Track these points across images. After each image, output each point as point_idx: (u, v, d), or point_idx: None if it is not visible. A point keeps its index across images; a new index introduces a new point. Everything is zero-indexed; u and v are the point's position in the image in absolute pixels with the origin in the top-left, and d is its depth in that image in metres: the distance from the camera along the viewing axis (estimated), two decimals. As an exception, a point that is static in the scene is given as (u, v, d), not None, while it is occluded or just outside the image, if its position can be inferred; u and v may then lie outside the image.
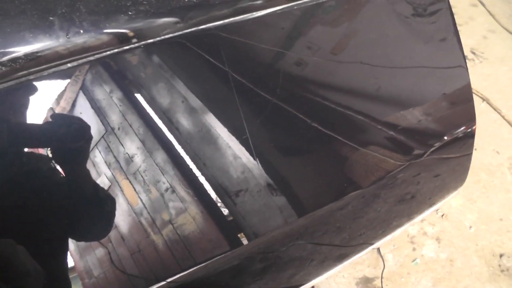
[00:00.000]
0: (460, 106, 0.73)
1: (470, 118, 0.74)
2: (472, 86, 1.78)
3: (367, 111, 0.64)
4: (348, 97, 0.64)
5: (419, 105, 0.69)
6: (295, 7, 0.61)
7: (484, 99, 1.81)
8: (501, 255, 1.24)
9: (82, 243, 0.53)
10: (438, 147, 0.71)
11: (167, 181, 0.55)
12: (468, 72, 0.73)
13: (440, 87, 0.71)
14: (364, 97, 0.65)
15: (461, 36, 1.95)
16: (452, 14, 0.72)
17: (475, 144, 1.54)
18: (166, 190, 0.55)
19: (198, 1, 0.56)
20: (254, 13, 0.59)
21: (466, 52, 2.07)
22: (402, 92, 0.68)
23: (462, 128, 0.74)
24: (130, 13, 0.51)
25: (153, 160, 0.56)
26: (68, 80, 0.52)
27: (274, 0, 0.60)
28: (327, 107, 0.62)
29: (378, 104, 0.65)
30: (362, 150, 0.64)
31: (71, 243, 0.53)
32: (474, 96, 1.82)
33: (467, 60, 2.01)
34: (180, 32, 0.54)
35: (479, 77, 1.93)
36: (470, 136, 0.76)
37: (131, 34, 0.53)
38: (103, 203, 0.54)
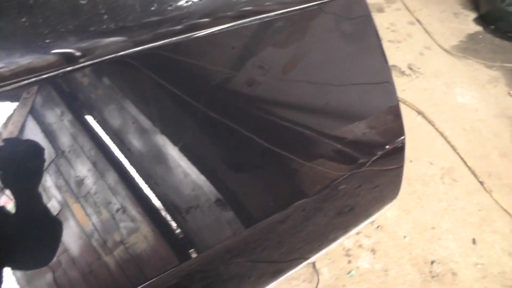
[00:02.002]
0: (390, 120, 0.86)
1: (399, 131, 0.87)
2: (409, 100, 2.02)
3: (308, 125, 0.75)
4: (291, 112, 0.74)
5: (352, 120, 0.80)
6: (242, 26, 0.69)
7: (419, 112, 2.05)
8: (432, 262, 1.43)
9: (30, 269, 0.57)
10: (372, 160, 0.82)
11: (119, 202, 0.60)
12: (395, 88, 0.86)
13: (371, 103, 0.84)
14: (304, 112, 0.75)
15: (400, 52, 2.20)
16: (377, 34, 0.85)
17: (411, 156, 1.77)
18: (117, 210, 0.60)
19: (145, 20, 0.62)
20: (202, 31, 0.66)
21: (404, 67, 2.34)
22: (338, 108, 0.80)
23: (393, 141, 0.86)
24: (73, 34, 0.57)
25: (105, 181, 0.60)
26: (16, 103, 0.57)
27: (221, 19, 0.68)
28: (270, 123, 0.72)
29: (318, 119, 0.76)
30: (306, 164, 0.74)
31: (18, 271, 0.56)
32: (410, 110, 2.06)
33: (405, 75, 2.27)
34: (127, 52, 0.61)
35: (416, 92, 2.19)
36: (401, 149, 0.88)
37: (78, 53, 0.58)
38: (52, 227, 0.58)
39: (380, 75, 0.85)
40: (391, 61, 2.33)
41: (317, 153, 0.76)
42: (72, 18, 0.57)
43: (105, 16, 0.59)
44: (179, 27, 0.65)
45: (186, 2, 0.65)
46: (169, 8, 0.64)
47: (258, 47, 0.72)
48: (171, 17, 0.64)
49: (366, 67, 0.83)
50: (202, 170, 0.65)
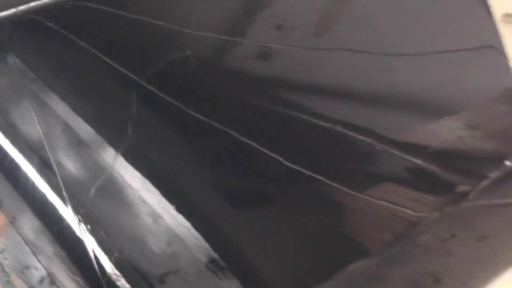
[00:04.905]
0: (503, 114, 0.81)
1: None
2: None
3: (359, 126, 0.72)
4: (328, 104, 0.72)
5: (453, 112, 0.77)
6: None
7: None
8: None
9: None
10: (475, 188, 0.76)
11: (42, 266, 0.59)
12: (506, 55, 0.82)
13: (464, 84, 0.80)
14: (352, 104, 0.73)
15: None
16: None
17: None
18: (41, 281, 0.59)
19: None
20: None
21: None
22: (407, 95, 0.77)
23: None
24: None
25: (18, 231, 0.59)
26: None
27: None
28: (292, 123, 0.70)
29: (375, 115, 0.74)
30: (357, 195, 0.70)
31: None
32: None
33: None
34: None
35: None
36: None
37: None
38: None
39: (479, 34, 0.82)
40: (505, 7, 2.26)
41: (375, 175, 0.73)
42: None
43: None
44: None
45: None
46: None
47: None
48: None
49: (449, 21, 0.81)
50: (184, 208, 0.63)
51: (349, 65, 0.73)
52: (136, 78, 0.65)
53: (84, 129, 0.63)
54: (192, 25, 0.67)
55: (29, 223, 0.58)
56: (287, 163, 0.68)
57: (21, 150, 0.61)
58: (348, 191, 0.70)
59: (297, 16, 0.71)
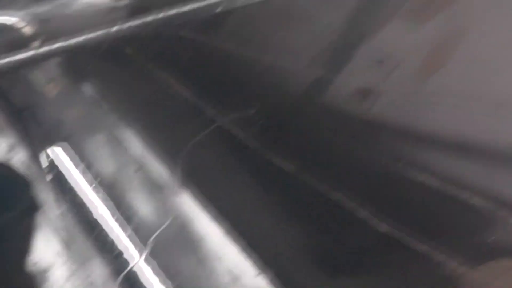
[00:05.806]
0: None
1: None
2: None
3: (484, 187, 0.64)
4: (446, 159, 0.66)
5: None
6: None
7: None
8: None
9: None
10: None
11: None
12: None
13: None
14: (475, 160, 0.67)
15: None
16: None
17: None
18: None
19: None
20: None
21: None
22: None
23: None
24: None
25: (87, 275, 0.56)
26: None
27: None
28: (394, 176, 0.65)
29: (506, 174, 0.66)
30: (475, 273, 0.62)
31: None
32: None
33: None
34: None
35: None
36: None
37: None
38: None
39: None
40: None
41: (492, 248, 0.64)
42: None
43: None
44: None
45: None
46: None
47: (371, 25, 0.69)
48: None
49: None
50: (265, 272, 0.58)
51: (461, 114, 0.67)
52: (217, 118, 0.63)
53: (158, 171, 0.61)
54: (286, 58, 0.64)
55: (97, 269, 0.56)
56: (383, 229, 0.62)
57: (93, 188, 0.59)
58: (458, 265, 0.63)
59: (401, 50, 0.66)
